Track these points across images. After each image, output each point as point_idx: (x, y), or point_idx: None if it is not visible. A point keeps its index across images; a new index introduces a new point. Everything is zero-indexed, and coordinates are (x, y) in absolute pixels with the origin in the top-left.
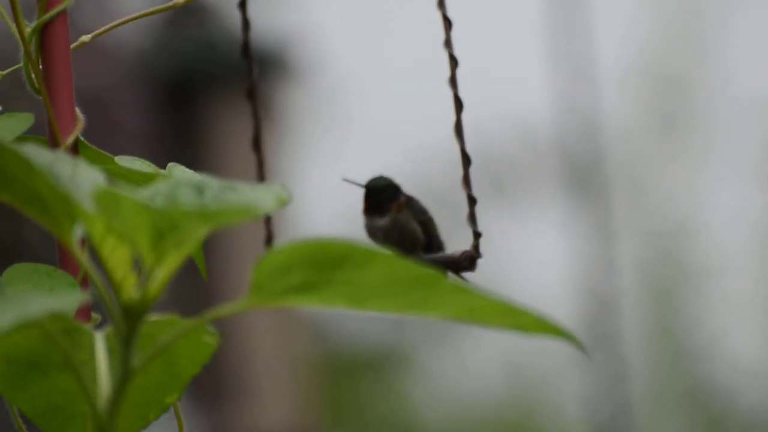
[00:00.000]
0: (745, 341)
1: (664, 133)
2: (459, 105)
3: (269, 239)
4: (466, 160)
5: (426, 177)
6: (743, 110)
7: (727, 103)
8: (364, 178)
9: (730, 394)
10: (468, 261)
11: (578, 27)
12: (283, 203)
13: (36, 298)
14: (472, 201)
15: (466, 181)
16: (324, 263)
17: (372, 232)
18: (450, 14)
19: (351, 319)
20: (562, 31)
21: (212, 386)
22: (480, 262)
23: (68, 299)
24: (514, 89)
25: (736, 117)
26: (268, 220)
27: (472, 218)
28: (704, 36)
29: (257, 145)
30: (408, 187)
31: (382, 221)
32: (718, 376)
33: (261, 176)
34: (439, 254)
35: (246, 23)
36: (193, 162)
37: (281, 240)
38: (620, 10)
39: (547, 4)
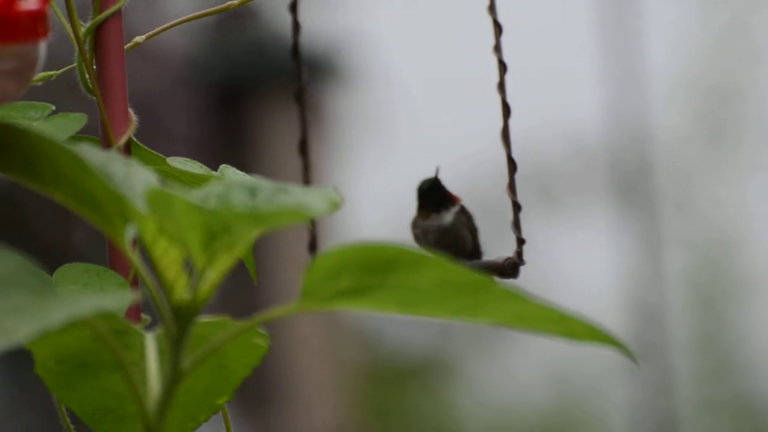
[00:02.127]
0: None
1: (712, 144)
2: (507, 110)
3: (313, 244)
4: (512, 166)
5: (473, 183)
6: None
7: None
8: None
9: None
10: (510, 268)
11: (628, 38)
12: (335, 206)
13: (86, 298)
14: (516, 207)
15: (512, 187)
16: (375, 267)
17: (425, 232)
18: (501, 22)
19: (397, 326)
20: (612, 41)
21: (259, 390)
22: (526, 269)
23: (118, 299)
24: (564, 98)
25: None
26: (313, 225)
27: (517, 225)
28: (753, 47)
29: (304, 148)
30: (456, 193)
31: (445, 218)
32: (763, 387)
33: (306, 180)
34: (482, 260)
35: (296, 25)
36: (242, 164)
37: (329, 244)
38: (670, 21)
39: (598, 14)
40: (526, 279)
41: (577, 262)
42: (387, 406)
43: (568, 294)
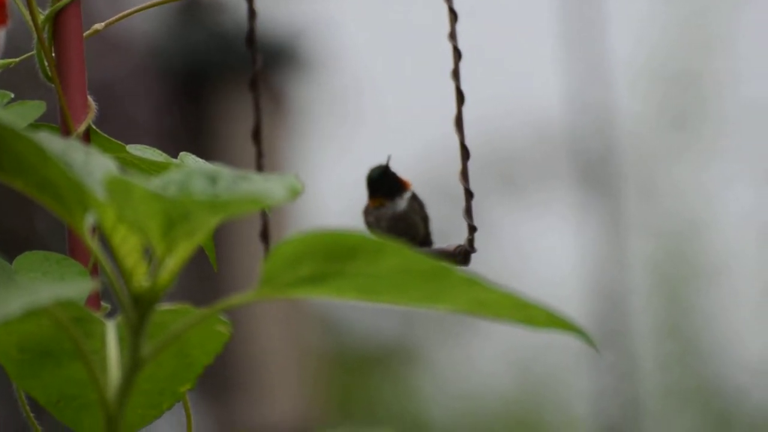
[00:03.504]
0: (754, 339)
1: (676, 131)
2: (461, 98)
3: (265, 233)
4: (465, 153)
5: (434, 169)
6: (754, 108)
7: (738, 101)
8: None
9: (739, 392)
10: (462, 255)
11: (592, 24)
12: (296, 194)
13: (45, 286)
14: (468, 195)
15: (464, 174)
16: (335, 255)
17: (378, 220)
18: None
19: (360, 314)
20: (575, 27)
21: (222, 378)
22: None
23: (78, 287)
24: (527, 85)
25: (747, 115)
26: (264, 214)
27: (468, 212)
28: (716, 34)
29: (257, 135)
30: (418, 181)
31: (399, 204)
32: (727, 373)
33: (259, 168)
34: (433, 248)
35: (252, 12)
36: (204, 152)
37: (290, 232)
38: (633, 7)
39: (561, 1)
40: (490, 265)
41: (540, 248)
42: (351, 394)
43: (531, 280)
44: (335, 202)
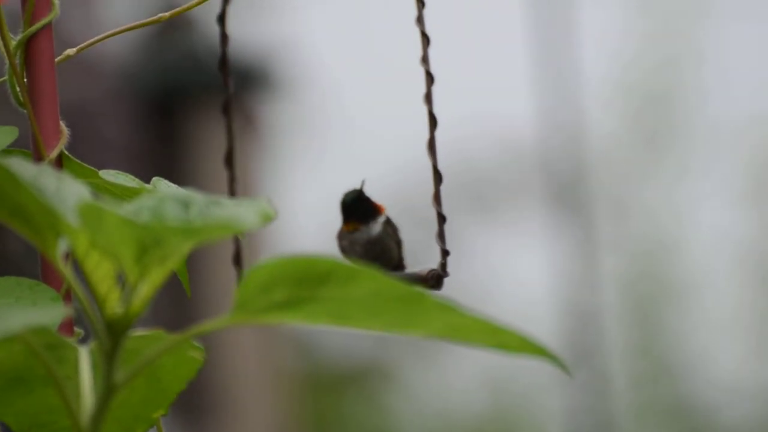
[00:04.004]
0: (725, 357)
1: (647, 150)
2: (433, 122)
3: (238, 257)
4: (438, 177)
5: (406, 192)
6: (725, 128)
7: (709, 121)
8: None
9: (711, 410)
10: (435, 279)
11: (562, 45)
12: (268, 219)
13: (18, 312)
14: (441, 219)
15: (437, 198)
16: (308, 280)
17: (352, 244)
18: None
19: (334, 334)
20: (546, 48)
21: (196, 400)
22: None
23: (51, 313)
24: (498, 105)
25: (718, 135)
26: (237, 239)
27: (441, 236)
28: (687, 55)
29: (230, 160)
30: (389, 203)
31: (373, 229)
32: (699, 391)
33: (232, 192)
34: (406, 272)
35: (224, 37)
36: (176, 174)
37: (263, 254)
38: (603, 27)
39: (531, 22)
40: (463, 286)
41: (513, 268)
42: (325, 414)
43: (504, 300)
44: (308, 221)
